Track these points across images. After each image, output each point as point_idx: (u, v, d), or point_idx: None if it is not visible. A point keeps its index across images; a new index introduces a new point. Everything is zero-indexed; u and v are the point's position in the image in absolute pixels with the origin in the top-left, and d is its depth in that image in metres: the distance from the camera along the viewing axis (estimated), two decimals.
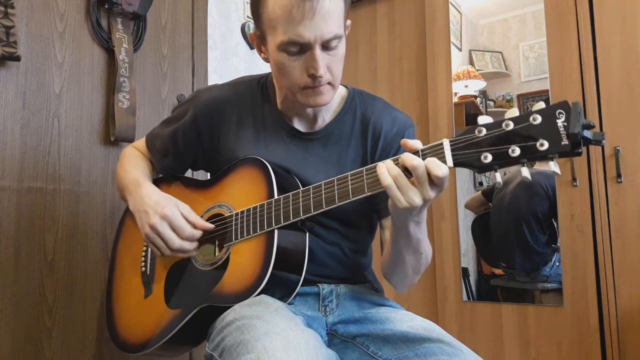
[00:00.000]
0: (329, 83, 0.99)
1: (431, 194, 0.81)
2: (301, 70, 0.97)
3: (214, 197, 1.11)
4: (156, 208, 1.04)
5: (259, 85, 1.15)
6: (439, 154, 0.81)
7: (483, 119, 0.80)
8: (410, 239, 0.93)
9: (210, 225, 1.06)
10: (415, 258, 0.98)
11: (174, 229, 1.03)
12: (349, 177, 0.90)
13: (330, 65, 0.97)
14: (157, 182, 1.21)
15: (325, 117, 1.10)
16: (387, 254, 1.03)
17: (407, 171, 0.82)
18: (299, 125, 1.10)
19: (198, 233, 1.04)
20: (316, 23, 0.91)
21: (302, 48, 0.94)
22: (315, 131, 1.10)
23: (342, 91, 1.14)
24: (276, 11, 0.93)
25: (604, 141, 0.73)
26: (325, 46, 0.95)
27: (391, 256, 1.01)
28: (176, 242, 1.02)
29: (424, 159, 0.81)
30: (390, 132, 1.09)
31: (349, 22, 1.02)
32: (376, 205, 1.07)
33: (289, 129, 1.10)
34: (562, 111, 0.73)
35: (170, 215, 1.02)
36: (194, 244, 1.05)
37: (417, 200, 0.82)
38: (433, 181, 0.81)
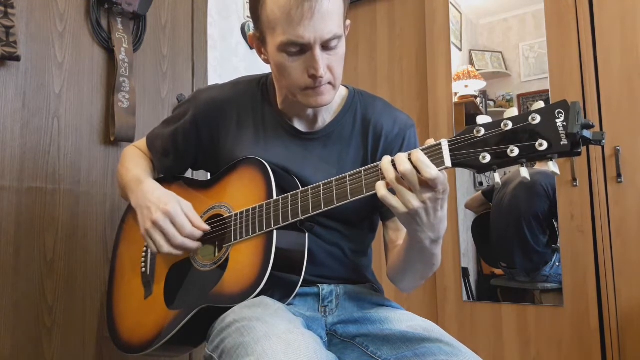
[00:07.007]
0: (329, 83, 0.99)
1: (425, 196, 0.80)
2: (301, 71, 0.97)
3: (214, 197, 1.11)
4: (158, 204, 1.04)
5: (259, 85, 1.15)
6: (437, 154, 0.81)
7: (482, 119, 0.80)
8: (424, 252, 0.92)
9: (206, 227, 1.05)
10: (427, 267, 0.98)
11: (175, 225, 1.03)
12: (348, 178, 0.90)
13: (330, 65, 0.97)
14: (158, 182, 1.21)
15: (326, 117, 1.10)
16: (397, 261, 1.02)
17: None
18: (299, 125, 1.10)
19: (199, 233, 1.04)
20: (315, 23, 0.91)
21: (302, 49, 0.94)
22: (316, 131, 1.10)
23: (342, 91, 1.14)
24: (275, 12, 0.93)
25: (603, 141, 0.73)
26: (325, 46, 0.95)
27: (401, 264, 1.00)
28: (178, 238, 1.02)
29: None
30: (391, 133, 1.09)
31: (348, 22, 1.02)
32: (380, 206, 1.07)
33: (289, 129, 1.10)
34: (561, 111, 0.72)
35: (172, 211, 1.02)
36: (195, 243, 1.04)
37: (415, 203, 0.81)
38: (427, 183, 0.80)
